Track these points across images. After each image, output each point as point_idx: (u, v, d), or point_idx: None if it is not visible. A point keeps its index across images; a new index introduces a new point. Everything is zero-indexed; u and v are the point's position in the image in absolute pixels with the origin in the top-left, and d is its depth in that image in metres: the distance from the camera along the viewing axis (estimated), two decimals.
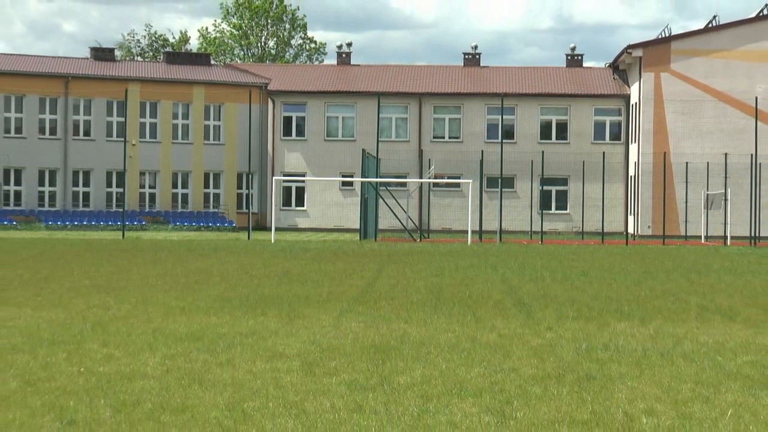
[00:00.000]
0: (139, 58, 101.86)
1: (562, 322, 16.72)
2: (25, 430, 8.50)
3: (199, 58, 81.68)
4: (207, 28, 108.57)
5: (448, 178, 70.95)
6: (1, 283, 23.19)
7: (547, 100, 74.47)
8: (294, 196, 75.35)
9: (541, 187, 67.64)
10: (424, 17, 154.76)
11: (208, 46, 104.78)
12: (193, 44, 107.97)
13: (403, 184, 70.31)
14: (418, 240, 58.19)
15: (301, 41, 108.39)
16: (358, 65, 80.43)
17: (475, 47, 79.69)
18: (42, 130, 71.56)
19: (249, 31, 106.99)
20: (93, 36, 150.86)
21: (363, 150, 61.42)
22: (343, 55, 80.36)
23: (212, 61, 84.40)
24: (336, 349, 13.27)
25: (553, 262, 34.55)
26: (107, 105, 72.52)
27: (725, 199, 62.68)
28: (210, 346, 13.41)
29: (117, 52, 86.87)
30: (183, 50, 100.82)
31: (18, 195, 71.10)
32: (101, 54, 78.01)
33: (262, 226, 71.22)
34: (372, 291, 22.19)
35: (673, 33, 70.74)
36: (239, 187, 75.06)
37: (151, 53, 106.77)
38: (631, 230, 68.66)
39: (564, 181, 73.42)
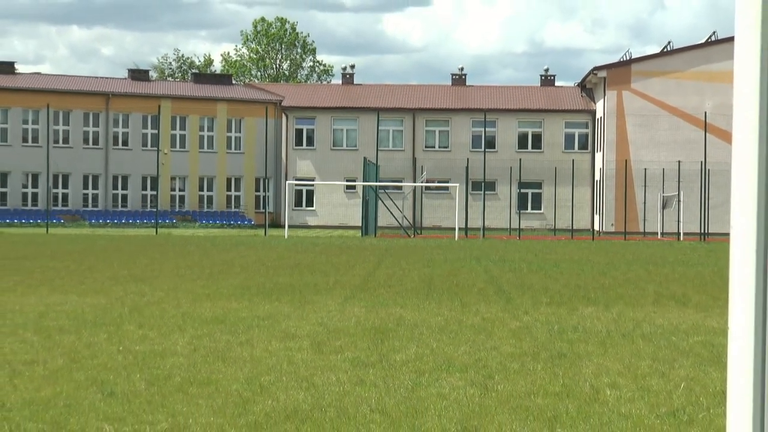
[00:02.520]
0: (170, 79, 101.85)
1: (537, 307, 16.72)
2: (71, 401, 8.49)
3: (222, 79, 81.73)
4: (229, 53, 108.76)
5: (438, 182, 71.02)
6: (50, 273, 23.20)
7: (523, 114, 74.52)
8: (304, 198, 75.42)
9: (518, 190, 67.78)
10: (416, 43, 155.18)
11: (229, 68, 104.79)
12: (217, 66, 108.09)
13: (399, 188, 70.28)
14: (412, 236, 58.21)
15: (311, 63, 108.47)
16: (360, 85, 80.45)
17: (462, 69, 79.74)
18: (86, 141, 71.63)
19: (265, 55, 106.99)
20: (127, 59, 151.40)
21: (364, 158, 61.47)
22: (347, 76, 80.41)
23: (233, 81, 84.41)
24: (341, 330, 13.27)
25: (529, 255, 34.56)
26: (143, 119, 72.57)
27: (678, 201, 62.76)
28: (232, 327, 13.41)
29: (151, 73, 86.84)
30: (208, 71, 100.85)
31: (65, 197, 71.16)
32: (137, 75, 78.10)
33: (276, 224, 71.24)
34: (372, 280, 22.20)
35: (633, 57, 70.84)
36: (257, 190, 75.10)
37: (180, 74, 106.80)
38: (596, 227, 68.72)
39: (539, 185, 73.47)
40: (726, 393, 2.42)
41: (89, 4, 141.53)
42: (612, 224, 67.12)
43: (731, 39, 68.79)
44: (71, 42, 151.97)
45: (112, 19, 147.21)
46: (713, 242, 52.68)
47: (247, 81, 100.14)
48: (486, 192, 64.63)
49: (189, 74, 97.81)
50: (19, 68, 76.37)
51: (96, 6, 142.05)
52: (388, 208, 61.95)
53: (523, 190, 71.11)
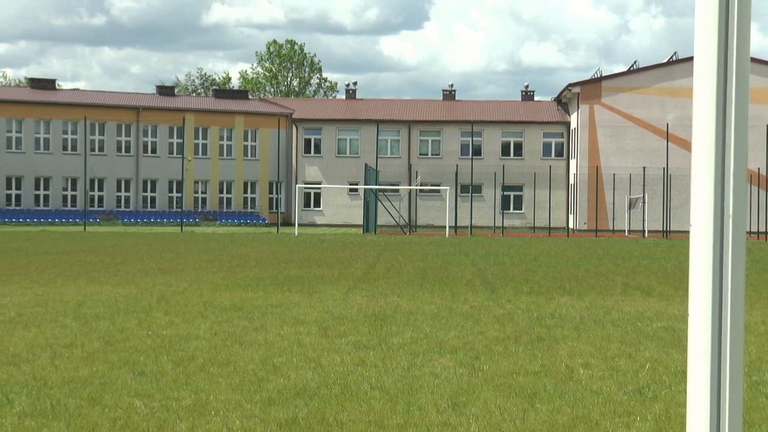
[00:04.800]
0: (193, 94, 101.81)
1: (519, 296, 16.72)
2: (105, 380, 8.50)
3: (240, 94, 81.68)
4: (246, 71, 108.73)
5: (431, 185, 71.01)
6: (87, 266, 23.19)
7: (506, 126, 74.50)
8: (312, 200, 75.40)
9: (502, 193, 67.72)
10: (410, 62, 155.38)
11: (246, 84, 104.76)
12: (235, 83, 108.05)
13: (396, 190, 70.27)
14: (408, 233, 58.20)
15: (317, 80, 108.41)
16: (362, 99, 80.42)
17: (451, 85, 79.77)
18: (119, 149, 71.60)
19: (278, 73, 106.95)
20: (153, 76, 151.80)
21: (365, 164, 61.48)
22: (350, 91, 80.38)
23: (249, 96, 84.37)
24: (345, 317, 13.27)
25: (512, 250, 34.57)
26: (169, 130, 72.54)
27: (643, 202, 62.79)
28: (248, 314, 13.41)
29: (176, 89, 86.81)
30: (227, 88, 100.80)
31: (101, 199, 71.15)
32: (164, 90, 78.07)
33: (288, 223, 71.23)
34: (372, 272, 22.19)
35: (603, 74, 70.86)
36: (270, 192, 75.09)
37: (202, 90, 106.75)
38: (571, 225, 68.72)
39: (520, 188, 73.45)
40: (686, 372, 2.42)
41: (119, 28, 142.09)
42: (585, 223, 67.12)
43: (690, 59, 68.81)
44: (103, 61, 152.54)
45: (140, 41, 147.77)
46: (674, 239, 52.69)
47: (261, 96, 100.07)
48: (473, 194, 64.70)
49: (210, 90, 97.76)
50: (59, 85, 76.37)
51: (125, 30, 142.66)
52: (386, 208, 61.98)
53: (506, 193, 71.04)
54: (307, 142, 75.41)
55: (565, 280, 20.33)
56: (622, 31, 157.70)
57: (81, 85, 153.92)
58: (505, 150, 74.43)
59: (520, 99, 79.43)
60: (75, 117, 69.37)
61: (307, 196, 74.97)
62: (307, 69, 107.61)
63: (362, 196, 63.95)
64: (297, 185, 66.07)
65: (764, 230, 59.74)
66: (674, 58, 69.81)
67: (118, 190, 71.78)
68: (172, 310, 13.80)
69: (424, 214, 72.79)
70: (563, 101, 74.98)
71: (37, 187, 69.93)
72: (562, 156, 74.00)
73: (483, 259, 28.26)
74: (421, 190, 71.59)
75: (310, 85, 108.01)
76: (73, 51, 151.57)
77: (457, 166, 65.46)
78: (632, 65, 72.22)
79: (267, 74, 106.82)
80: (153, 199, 72.67)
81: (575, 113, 70.24)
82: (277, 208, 65.98)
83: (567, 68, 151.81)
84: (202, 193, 74.16)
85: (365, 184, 60.42)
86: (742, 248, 2.37)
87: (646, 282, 20.22)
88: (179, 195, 70.85)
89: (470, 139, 70.28)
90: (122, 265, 23.53)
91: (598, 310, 14.65)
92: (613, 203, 66.26)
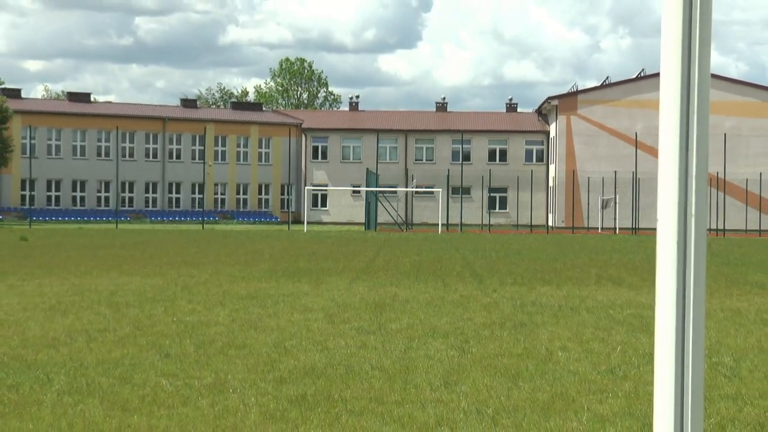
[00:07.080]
0: (213, 106, 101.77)
1: (504, 286, 16.71)
2: (135, 361, 8.49)
3: (255, 106, 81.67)
4: (261, 85, 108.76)
5: (425, 187, 71.01)
6: (119, 259, 23.17)
7: (493, 134, 74.51)
8: (320, 200, 75.40)
9: (488, 194, 67.76)
10: (405, 77, 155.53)
11: (260, 97, 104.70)
12: (251, 96, 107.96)
13: (394, 192, 70.24)
14: (405, 230, 58.20)
15: (324, 94, 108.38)
16: (363, 111, 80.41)
17: (443, 98, 79.75)
18: (147, 155, 71.61)
19: (289, 87, 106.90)
20: (176, 90, 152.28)
21: (367, 169, 61.49)
22: (353, 104, 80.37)
23: (263, 108, 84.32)
24: (348, 305, 13.26)
25: (497, 245, 34.55)
26: (192, 138, 72.54)
27: (615, 203, 62.82)
28: (262, 303, 13.40)
29: (198, 102, 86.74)
30: (243, 100, 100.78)
31: (131, 199, 71.17)
32: (187, 103, 78.11)
33: (297, 221, 71.22)
34: (373, 265, 22.18)
35: (579, 89, 70.87)
36: (282, 194, 75.08)
37: (221, 103, 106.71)
38: (550, 223, 68.74)
39: (504, 190, 73.46)
40: (653, 354, 2.43)
41: (145, 47, 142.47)
42: (562, 221, 67.14)
43: (656, 75, 68.85)
44: (131, 77, 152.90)
45: (164, 59, 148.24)
46: (642, 235, 52.69)
47: (274, 108, 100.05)
48: (463, 195, 64.70)
49: (228, 103, 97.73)
50: (94, 98, 76.33)
51: (150, 49, 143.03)
52: (385, 208, 61.98)
53: (492, 194, 71.10)
54: (315, 149, 75.41)
55: (545, 272, 20.32)
56: (594, 50, 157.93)
57: (112, 98, 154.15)
58: (491, 156, 74.44)
59: (504, 110, 79.44)
60: (108, 127, 69.37)
61: (315, 197, 74.97)
62: (315, 83, 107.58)
63: (364, 197, 63.97)
64: (306, 187, 66.09)
65: (722, 227, 59.75)
66: (642, 74, 69.82)
67: (147, 191, 71.78)
68: (195, 299, 13.79)
69: (419, 213, 72.78)
70: (543, 112, 74.98)
71: (74, 189, 69.95)
72: (543, 161, 74.01)
73: (472, 254, 28.24)
74: (416, 192, 71.59)
75: (318, 98, 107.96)
76: (104, 68, 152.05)
77: (448, 170, 65.44)
78: (604, 80, 72.27)
79: (279, 88, 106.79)
80: (177, 200, 72.67)
81: (554, 123, 70.25)
82: (288, 207, 66.00)
83: (545, 83, 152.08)
84: (221, 194, 74.17)
85: (367, 187, 60.42)
86: (703, 244, 2.38)
87: (617, 274, 20.21)
88: (201, 196, 70.83)
89: (460, 146, 70.27)
90: (150, 259, 23.51)
91: (575, 298, 14.64)
92: (588, 203, 66.28)
